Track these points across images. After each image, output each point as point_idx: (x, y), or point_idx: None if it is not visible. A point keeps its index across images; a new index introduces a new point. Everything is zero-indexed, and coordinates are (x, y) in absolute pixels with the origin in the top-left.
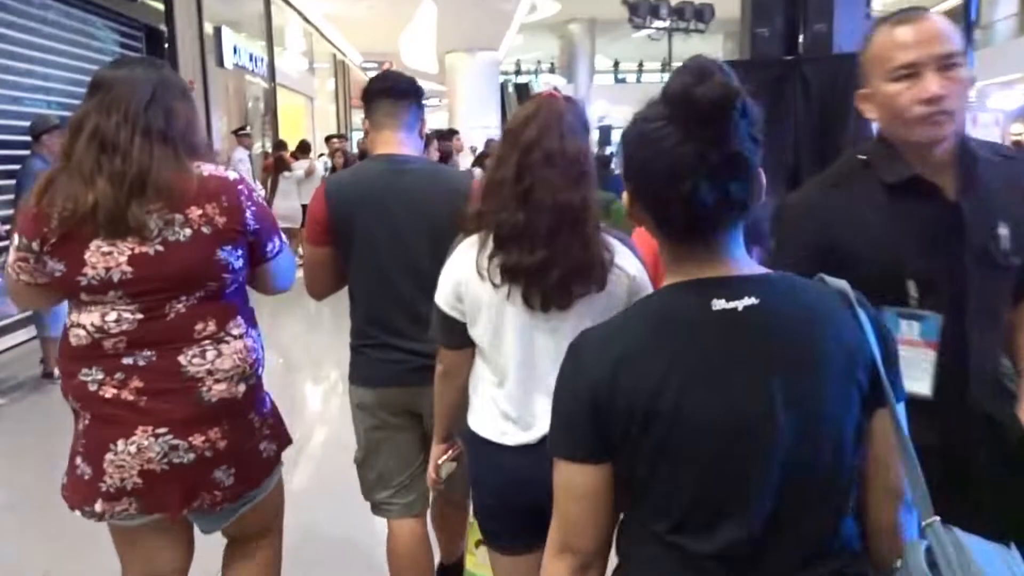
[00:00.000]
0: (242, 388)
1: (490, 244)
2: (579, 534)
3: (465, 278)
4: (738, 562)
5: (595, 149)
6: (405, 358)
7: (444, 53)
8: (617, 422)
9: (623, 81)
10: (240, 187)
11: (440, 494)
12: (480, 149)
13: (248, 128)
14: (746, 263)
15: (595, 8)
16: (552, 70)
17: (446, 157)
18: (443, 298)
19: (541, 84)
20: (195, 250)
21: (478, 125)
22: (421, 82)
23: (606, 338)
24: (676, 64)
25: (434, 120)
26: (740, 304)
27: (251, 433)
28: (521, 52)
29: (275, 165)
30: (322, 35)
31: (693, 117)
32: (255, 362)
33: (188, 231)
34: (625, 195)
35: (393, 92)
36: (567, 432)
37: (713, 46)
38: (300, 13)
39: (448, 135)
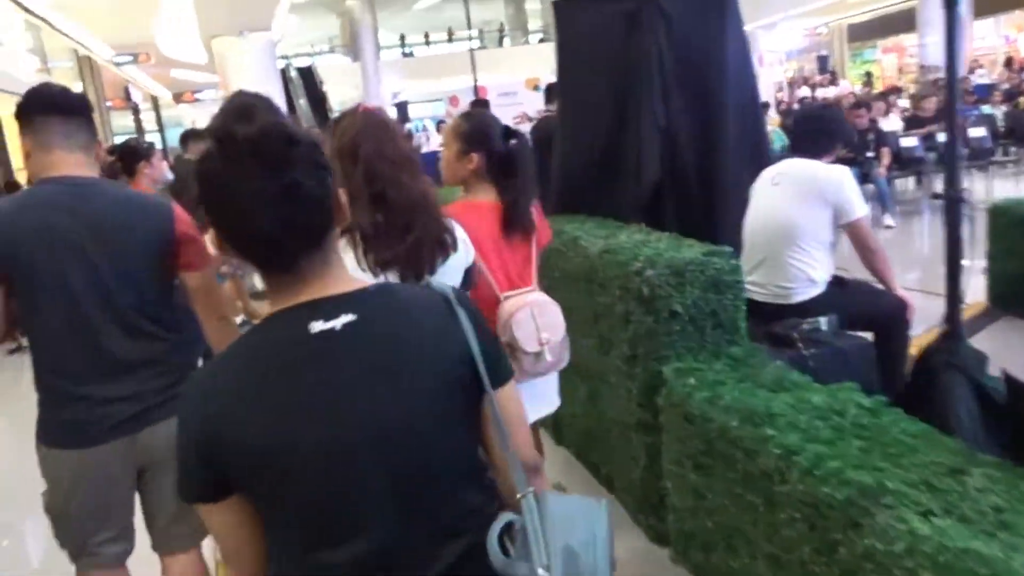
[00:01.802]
0: None
1: (359, 244)
2: (236, 562)
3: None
4: (373, 567)
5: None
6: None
7: (210, 38)
8: (228, 469)
9: (411, 55)
10: None
11: None
12: None
13: None
14: (343, 281)
15: None
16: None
17: None
18: None
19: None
20: None
21: None
22: (191, 74)
23: (202, 394)
24: (461, 32)
25: (210, 113)
26: (338, 323)
27: None
28: (298, 33)
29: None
30: (54, 28)
31: (243, 154)
32: None
33: None
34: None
35: (62, 107)
36: (186, 479)
37: (495, 11)
38: (18, 3)
39: None
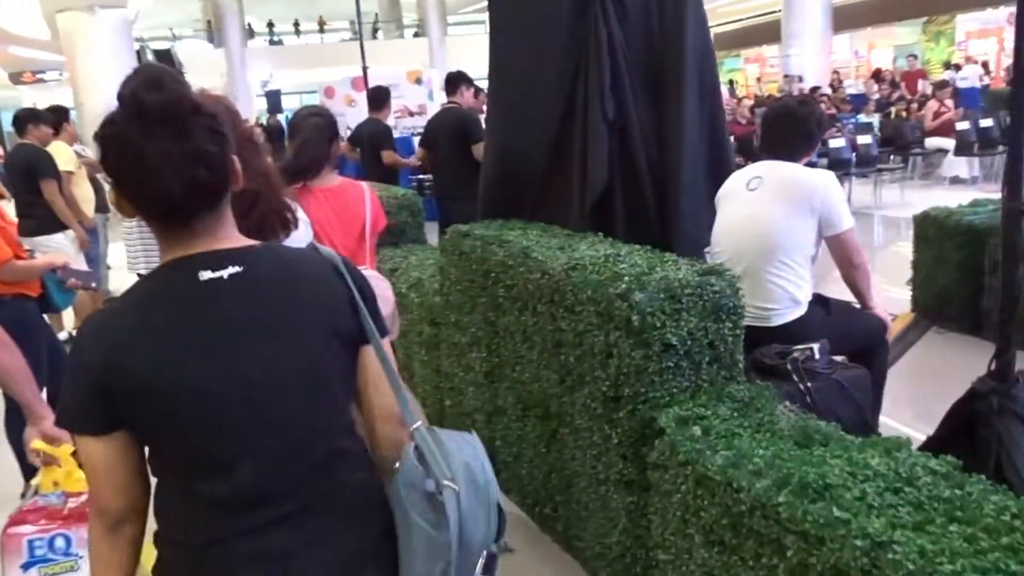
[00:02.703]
0: None
1: None
2: (104, 497)
3: None
4: (247, 499)
5: (264, 117)
6: None
7: (55, 12)
8: (119, 401)
9: (279, 43)
10: None
11: None
12: None
13: None
14: (234, 239)
15: None
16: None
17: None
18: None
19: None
20: None
21: (115, 99)
22: (33, 52)
23: (101, 326)
24: (333, 23)
25: (55, 97)
26: (225, 273)
27: None
28: (156, 15)
29: None
30: None
31: (151, 120)
32: None
33: None
34: (110, 189)
35: None
36: (77, 408)
37: (368, 3)
38: None
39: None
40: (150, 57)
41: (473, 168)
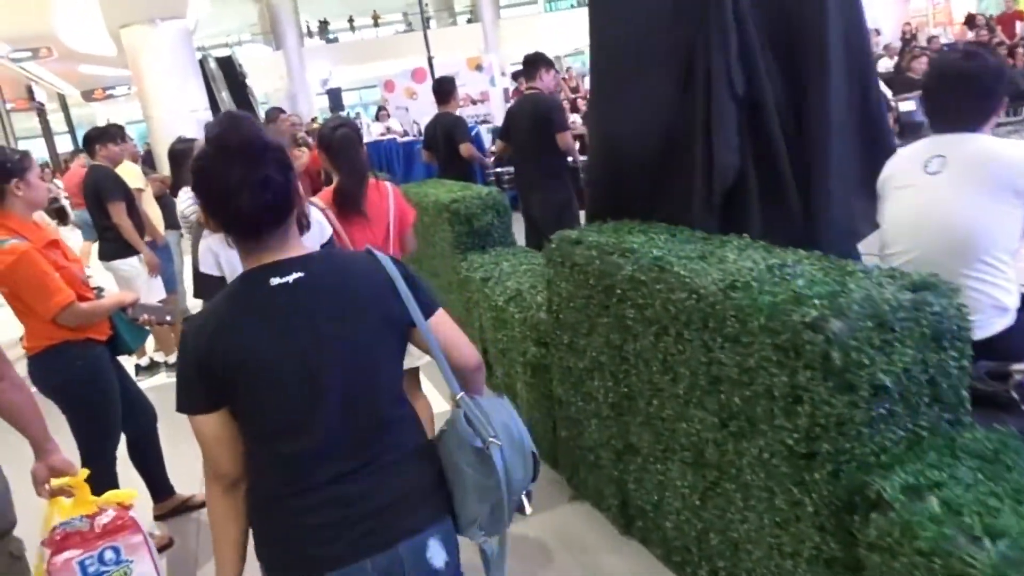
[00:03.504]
0: None
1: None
2: (218, 464)
3: (218, 250)
4: (324, 454)
5: (328, 114)
6: None
7: (118, 28)
8: (217, 381)
9: (335, 40)
10: None
11: None
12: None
13: None
14: (298, 249)
15: None
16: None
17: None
18: (208, 267)
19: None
20: None
21: (183, 109)
22: (101, 69)
23: (203, 321)
24: (386, 16)
25: (125, 111)
26: (290, 278)
27: None
28: (214, 23)
29: None
30: None
31: (231, 153)
32: None
33: None
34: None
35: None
36: (188, 393)
37: None
38: None
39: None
40: (212, 65)
41: (559, 158)
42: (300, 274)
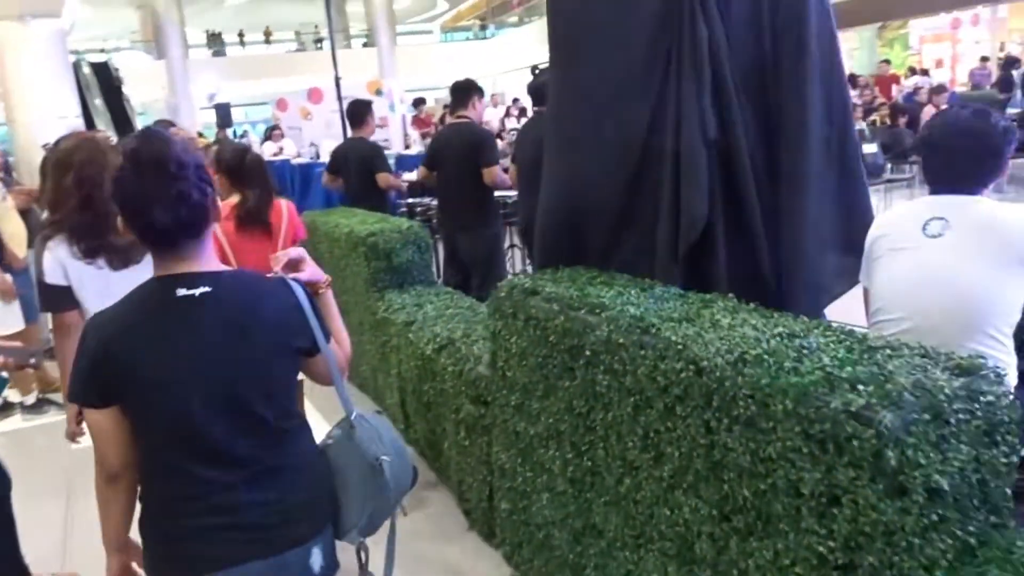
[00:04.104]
0: None
1: (72, 237)
2: (104, 456)
3: (66, 262)
4: (216, 463)
5: (215, 131)
6: None
7: None
8: (111, 381)
9: (221, 54)
10: None
11: None
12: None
13: None
14: (207, 264)
15: None
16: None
17: None
18: (55, 278)
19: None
20: None
21: (50, 115)
22: None
23: (102, 322)
24: (279, 33)
25: None
26: (197, 291)
27: None
28: (92, 26)
29: None
30: None
31: (148, 169)
32: None
33: None
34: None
35: None
36: (81, 386)
37: (314, 11)
38: None
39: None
40: (86, 70)
41: (486, 194)
42: (207, 288)
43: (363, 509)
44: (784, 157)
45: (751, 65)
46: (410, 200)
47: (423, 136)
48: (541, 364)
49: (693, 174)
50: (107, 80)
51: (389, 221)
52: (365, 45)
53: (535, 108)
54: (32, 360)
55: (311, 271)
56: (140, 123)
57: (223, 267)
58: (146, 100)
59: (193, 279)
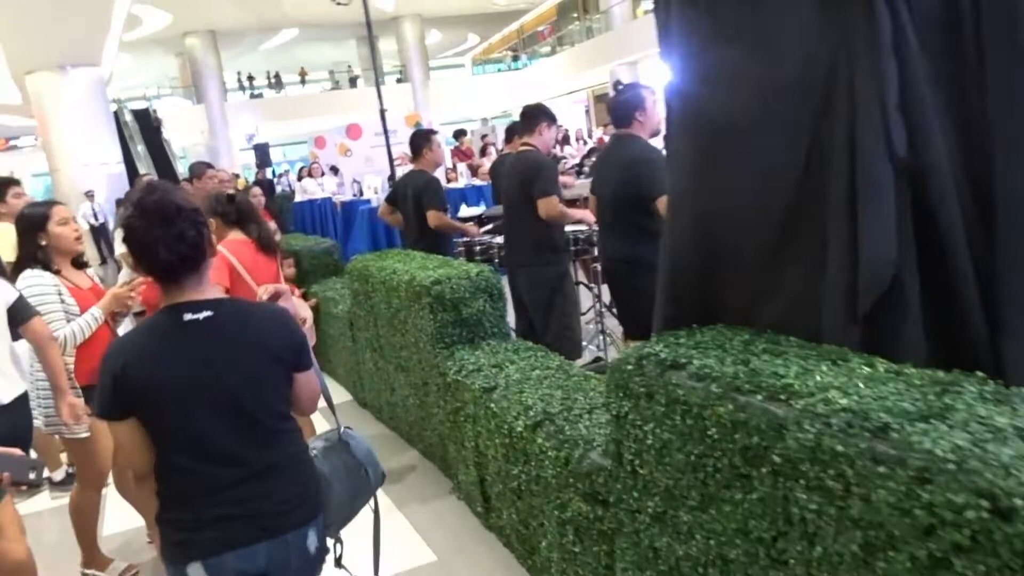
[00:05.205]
0: None
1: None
2: (131, 462)
3: None
4: (220, 463)
5: (254, 172)
6: None
7: (23, 74)
8: (130, 397)
9: (259, 96)
10: None
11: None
12: (94, 191)
13: None
14: (207, 293)
15: (213, 18)
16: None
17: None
18: None
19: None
20: None
21: (93, 162)
22: (4, 118)
23: (119, 348)
24: (314, 73)
25: (30, 164)
26: (201, 315)
27: None
28: (133, 74)
29: None
30: None
31: (150, 214)
32: None
33: None
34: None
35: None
36: (104, 401)
37: (346, 51)
38: None
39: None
40: (128, 118)
41: (546, 228)
42: (210, 313)
43: (342, 510)
44: (998, 183)
45: (945, 71)
46: (465, 239)
47: (471, 169)
48: (695, 465)
49: (874, 204)
50: (148, 126)
51: (454, 266)
52: (399, 81)
53: (618, 130)
54: (32, 476)
55: (290, 306)
56: (181, 166)
57: (222, 295)
58: (186, 144)
59: (197, 306)
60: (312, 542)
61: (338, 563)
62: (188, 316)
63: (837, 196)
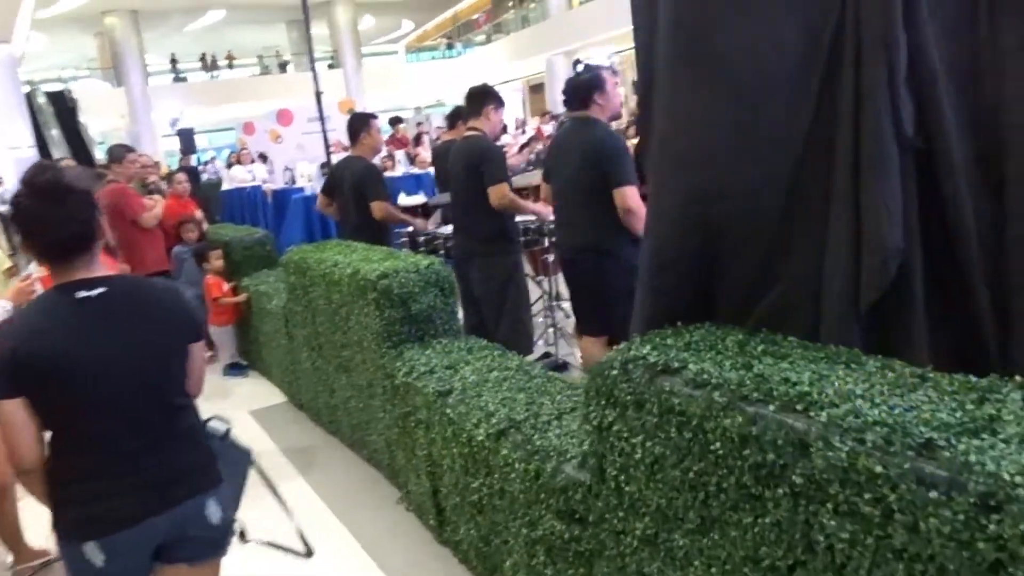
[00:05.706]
0: None
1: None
2: (17, 450)
3: None
4: (121, 434)
5: (178, 158)
6: None
7: None
8: (26, 377)
9: (184, 80)
10: None
11: None
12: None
13: None
14: (101, 271)
15: None
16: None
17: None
18: None
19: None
20: None
21: (1, 146)
22: None
23: (15, 326)
24: (242, 59)
25: None
26: (95, 292)
27: None
28: (48, 55)
29: None
30: None
31: (39, 195)
32: None
33: None
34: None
35: None
36: None
37: (276, 34)
38: None
39: None
40: (41, 100)
41: (498, 217)
42: (104, 289)
43: (243, 470)
44: (1011, 170)
45: (957, 51)
46: (410, 229)
47: (409, 157)
48: (693, 483)
49: (880, 186)
50: (64, 109)
51: (400, 258)
52: (331, 67)
53: (573, 113)
54: None
55: None
56: (100, 152)
57: (113, 273)
58: (106, 129)
59: (90, 283)
60: (214, 512)
61: (242, 537)
62: (81, 294)
63: (841, 177)
